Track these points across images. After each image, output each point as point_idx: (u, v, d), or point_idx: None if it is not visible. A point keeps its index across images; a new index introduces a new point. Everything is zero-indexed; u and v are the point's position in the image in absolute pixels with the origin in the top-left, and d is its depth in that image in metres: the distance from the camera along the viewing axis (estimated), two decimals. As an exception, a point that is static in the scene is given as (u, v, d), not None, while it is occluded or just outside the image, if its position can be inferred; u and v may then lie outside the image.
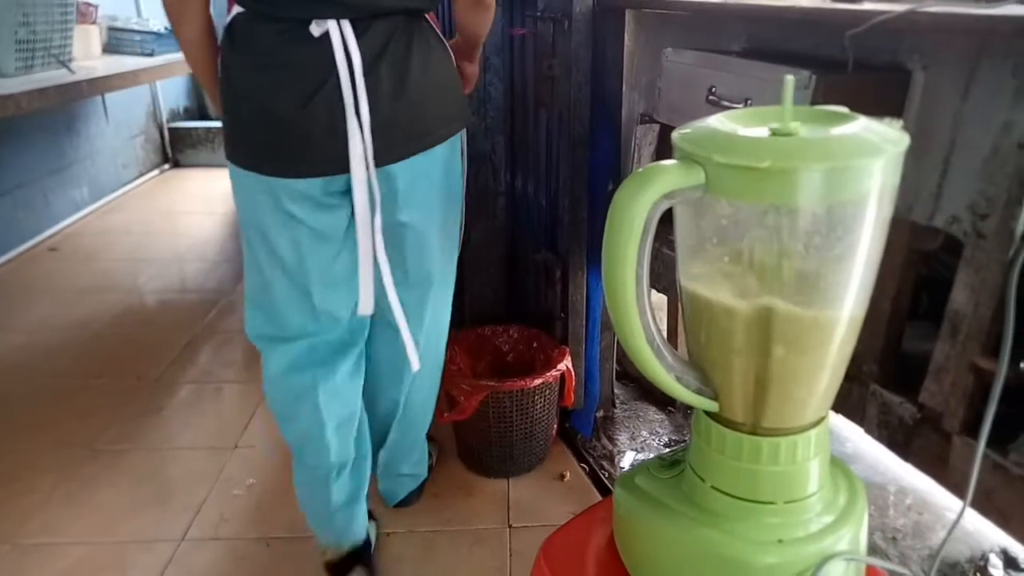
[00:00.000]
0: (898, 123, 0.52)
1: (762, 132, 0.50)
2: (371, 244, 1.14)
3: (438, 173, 1.18)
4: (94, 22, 3.29)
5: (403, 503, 1.60)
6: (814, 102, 0.97)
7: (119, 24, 3.50)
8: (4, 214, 3.09)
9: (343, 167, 1.07)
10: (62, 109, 3.46)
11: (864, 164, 0.47)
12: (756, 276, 0.50)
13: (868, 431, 1.13)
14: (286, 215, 1.13)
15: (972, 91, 0.91)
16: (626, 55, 1.54)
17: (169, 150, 4.57)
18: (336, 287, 1.22)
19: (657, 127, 1.51)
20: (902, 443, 1.08)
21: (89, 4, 3.23)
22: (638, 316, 0.52)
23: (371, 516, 1.51)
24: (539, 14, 1.61)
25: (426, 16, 1.12)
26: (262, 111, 1.07)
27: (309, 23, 1.02)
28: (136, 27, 3.52)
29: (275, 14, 1.03)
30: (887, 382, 1.09)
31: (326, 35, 1.02)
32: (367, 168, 1.08)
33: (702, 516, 0.59)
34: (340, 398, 1.29)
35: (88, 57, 3.16)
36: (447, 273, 1.34)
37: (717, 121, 0.52)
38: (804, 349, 0.53)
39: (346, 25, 1.03)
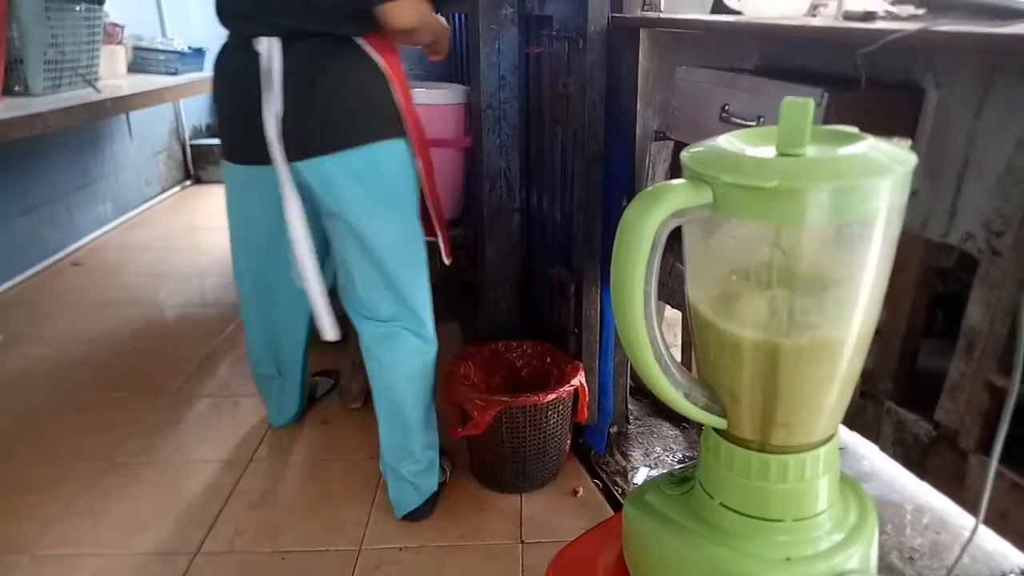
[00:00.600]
0: (906, 143, 0.53)
1: (770, 152, 0.51)
2: (297, 223, 1.40)
3: (358, 177, 1.37)
4: (120, 42, 3.37)
5: (413, 515, 1.61)
6: (826, 121, 0.97)
7: (144, 44, 3.58)
8: (30, 229, 3.16)
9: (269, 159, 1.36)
10: (87, 127, 3.54)
11: (871, 184, 0.47)
12: (764, 292, 0.51)
13: (883, 449, 1.12)
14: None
15: (986, 109, 0.91)
16: (640, 73, 1.55)
17: (191, 167, 4.65)
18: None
19: (671, 144, 1.52)
20: (917, 461, 1.07)
21: (116, 25, 3.31)
22: (646, 332, 0.53)
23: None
24: (554, 33, 1.63)
25: (358, 40, 1.32)
26: (223, 109, 1.43)
27: (252, 41, 1.31)
28: (161, 47, 3.60)
29: (233, 34, 1.38)
30: (902, 400, 1.08)
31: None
32: (282, 161, 1.35)
33: (711, 533, 0.59)
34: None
35: (114, 76, 3.23)
36: (412, 269, 1.50)
37: (726, 141, 0.53)
38: (812, 367, 0.53)
39: (275, 43, 1.29)
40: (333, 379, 2.15)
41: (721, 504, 0.59)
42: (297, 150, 1.34)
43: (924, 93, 0.98)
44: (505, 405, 1.54)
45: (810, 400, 0.54)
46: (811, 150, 0.51)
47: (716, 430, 0.60)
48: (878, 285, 0.52)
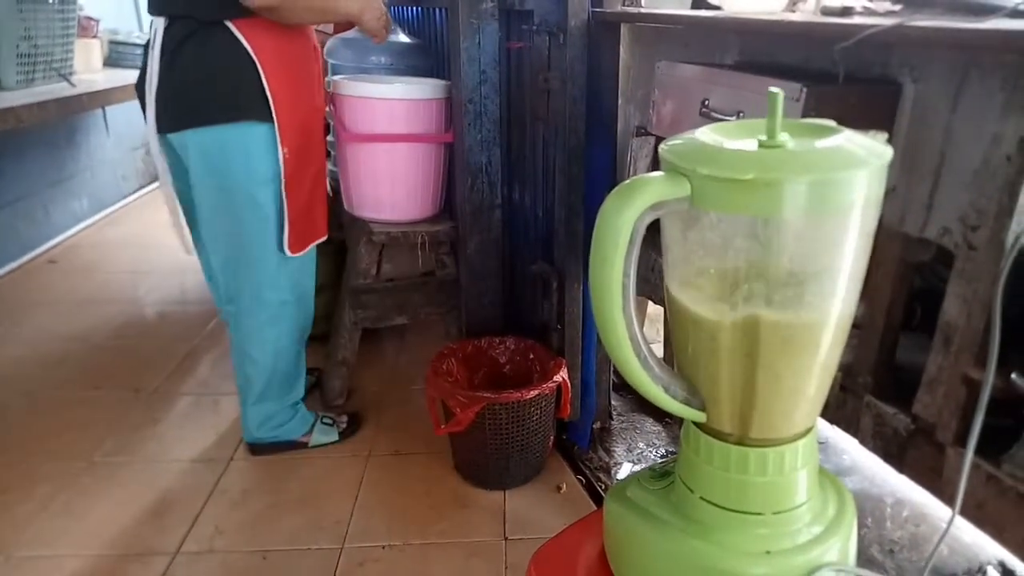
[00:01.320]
0: (883, 136, 0.53)
1: (748, 144, 0.51)
2: (168, 190, 1.61)
3: (204, 155, 1.48)
4: (95, 36, 3.32)
5: (259, 447, 1.82)
6: (805, 114, 0.98)
7: (120, 38, 3.53)
8: (4, 226, 3.10)
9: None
10: (63, 122, 3.48)
11: (848, 176, 0.47)
12: (740, 284, 0.51)
13: (863, 442, 1.13)
14: None
15: (961, 103, 0.92)
16: (621, 68, 1.55)
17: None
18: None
19: (652, 139, 1.51)
20: (896, 454, 1.08)
21: (90, 18, 3.26)
22: (625, 327, 0.53)
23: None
24: (535, 27, 1.62)
25: (228, 24, 1.40)
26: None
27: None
28: (137, 40, 3.55)
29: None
30: (881, 393, 1.09)
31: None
32: (152, 132, 1.49)
33: (691, 527, 0.59)
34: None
35: (89, 70, 3.18)
36: (250, 248, 1.59)
37: (704, 134, 0.53)
38: (790, 359, 0.53)
39: (160, 23, 1.43)
40: (315, 376, 2.14)
41: (701, 498, 0.59)
42: (160, 123, 1.48)
43: (901, 88, 0.99)
44: (488, 402, 1.54)
45: (788, 391, 0.54)
46: (788, 142, 0.51)
47: (695, 424, 0.60)
48: (855, 276, 0.52)
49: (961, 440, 0.98)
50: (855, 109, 1.01)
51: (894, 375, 1.10)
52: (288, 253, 1.60)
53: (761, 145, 0.50)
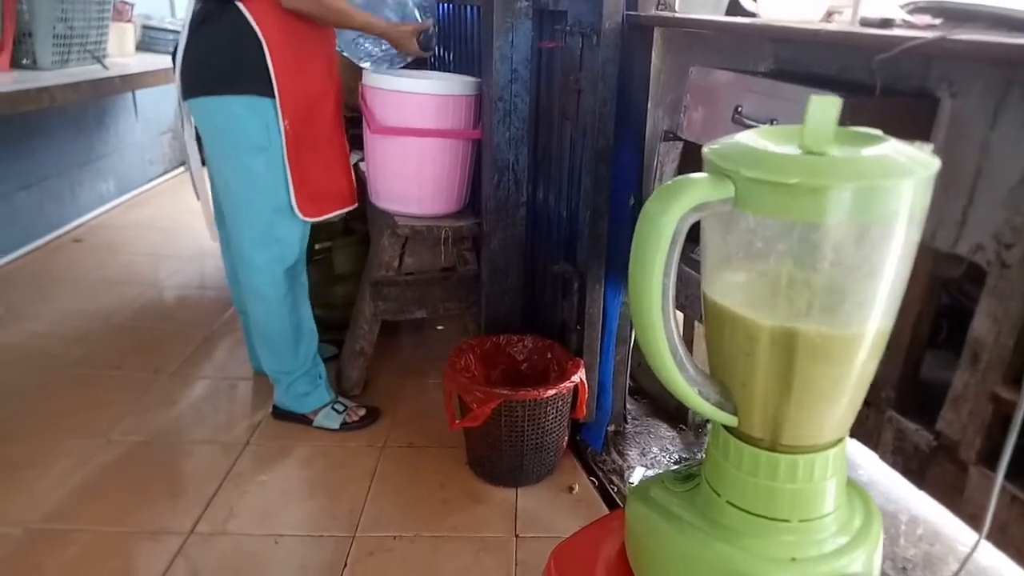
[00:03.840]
0: (928, 146, 0.53)
1: (792, 149, 0.51)
2: (197, 166, 1.80)
3: (212, 122, 1.65)
4: (129, 20, 3.36)
5: (278, 411, 1.93)
6: (841, 125, 0.97)
7: (154, 23, 3.57)
8: (32, 204, 3.15)
9: None
10: (94, 104, 3.53)
11: (893, 185, 0.47)
12: (781, 289, 0.51)
13: (883, 457, 1.12)
14: None
15: (1001, 119, 0.91)
16: (652, 72, 1.55)
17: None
18: None
19: (680, 144, 1.51)
20: (917, 471, 1.07)
21: (125, 2, 3.30)
22: (663, 326, 0.53)
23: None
24: (568, 28, 1.62)
25: (239, 4, 1.53)
26: None
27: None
28: (170, 26, 3.59)
29: None
30: (904, 408, 1.08)
31: None
32: (178, 96, 1.67)
33: (716, 531, 0.59)
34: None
35: (122, 54, 3.22)
36: (236, 210, 1.73)
37: (748, 137, 0.53)
38: (827, 366, 0.53)
39: (191, 3, 1.61)
40: (337, 348, 2.16)
41: (728, 502, 0.59)
42: (182, 89, 1.65)
43: (939, 102, 0.98)
44: (505, 399, 1.54)
45: (822, 400, 0.54)
46: (834, 149, 0.51)
47: (726, 428, 0.59)
48: (896, 287, 0.52)
49: (985, 459, 0.97)
50: (892, 122, 0.99)
51: (918, 391, 1.09)
52: (300, 216, 1.71)
53: (806, 151, 0.50)
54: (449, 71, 2.39)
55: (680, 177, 0.51)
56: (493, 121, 1.76)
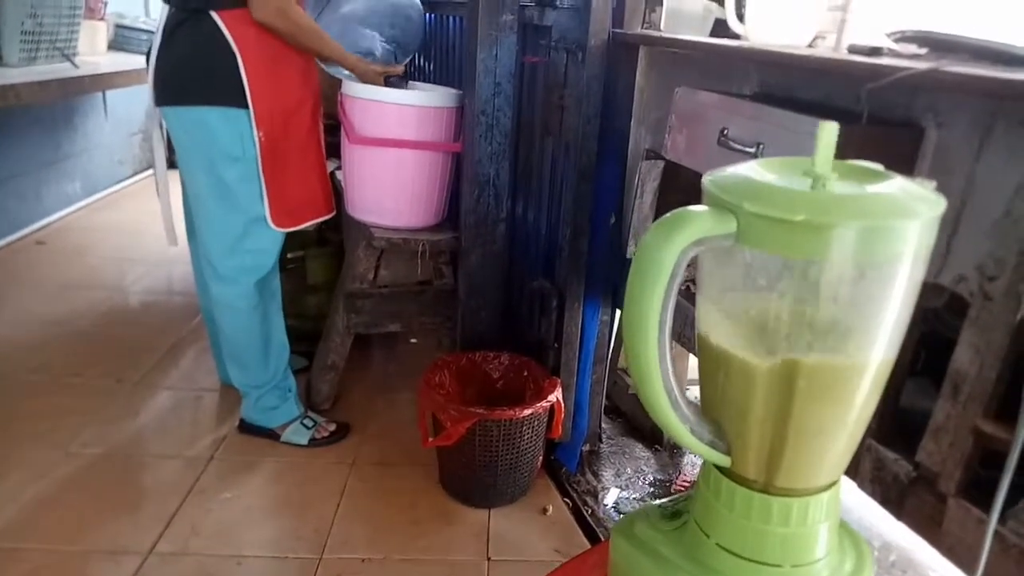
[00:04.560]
0: (931, 184, 0.51)
1: (797, 183, 0.49)
2: (161, 154, 1.80)
3: (185, 131, 1.62)
4: (102, 18, 3.28)
5: (245, 425, 1.87)
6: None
7: (127, 22, 3.50)
8: (-7, 203, 3.04)
9: None
10: (62, 102, 3.43)
11: (900, 225, 0.46)
12: (780, 329, 0.49)
13: (861, 486, 1.11)
14: None
15: (986, 152, 0.91)
16: (636, 90, 1.54)
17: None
18: None
19: (662, 164, 1.50)
20: (895, 501, 1.06)
21: (98, 0, 3.22)
22: (658, 362, 0.50)
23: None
24: (553, 44, 1.61)
25: (212, 14, 1.51)
26: None
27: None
28: (143, 26, 3.51)
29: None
30: (883, 438, 1.07)
31: None
32: (150, 103, 1.66)
33: (704, 574, 0.57)
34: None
35: (93, 53, 3.14)
36: (208, 220, 1.70)
37: (750, 168, 0.51)
38: (826, 406, 0.51)
39: (165, 10, 1.58)
40: (308, 360, 2.11)
41: (717, 544, 0.57)
42: (155, 96, 1.63)
43: (924, 132, 0.98)
44: (480, 418, 1.51)
45: (821, 441, 0.52)
46: (838, 184, 0.49)
47: (718, 468, 0.57)
48: (898, 328, 0.50)
49: (965, 492, 0.96)
50: (877, 150, 0.99)
51: (897, 419, 1.08)
52: (274, 227, 1.67)
53: (815, 178, 0.49)
54: (430, 81, 2.36)
55: (680, 209, 0.49)
56: (475, 135, 1.74)
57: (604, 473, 1.81)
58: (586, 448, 1.85)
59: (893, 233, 0.46)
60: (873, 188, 0.49)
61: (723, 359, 0.52)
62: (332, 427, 1.89)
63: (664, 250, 0.47)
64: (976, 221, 0.92)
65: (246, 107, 1.55)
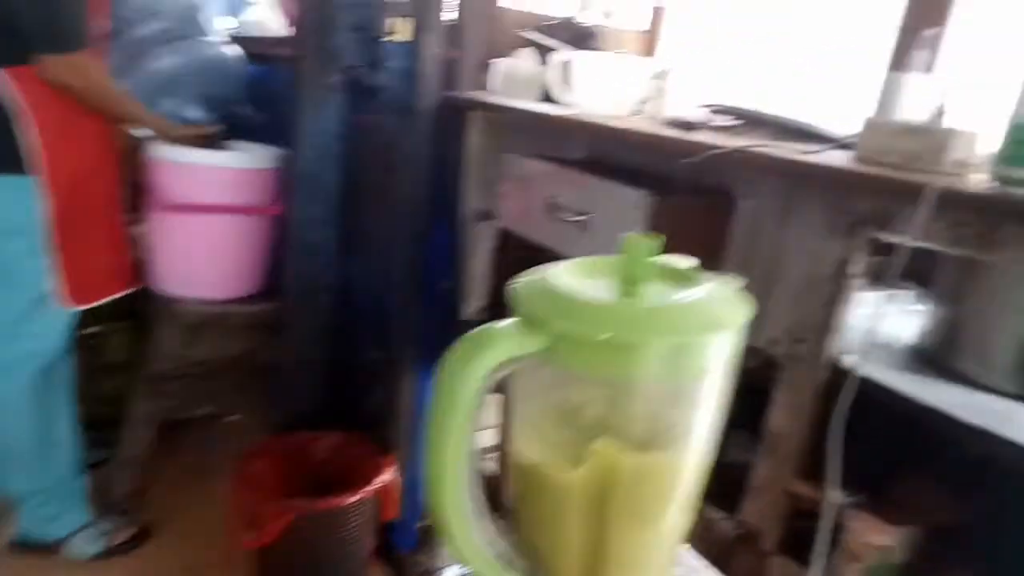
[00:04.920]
0: (739, 281, 0.52)
1: (608, 290, 0.47)
2: None
3: None
4: None
5: (19, 543, 1.58)
6: (647, 220, 0.99)
7: None
8: None
9: None
10: None
11: (709, 339, 0.46)
12: (592, 443, 0.46)
13: (693, 545, 1.12)
14: None
15: (788, 222, 0.97)
16: (469, 153, 1.53)
17: None
18: None
19: (496, 226, 1.50)
20: (723, 559, 1.07)
21: None
22: (463, 502, 0.45)
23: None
24: (383, 105, 1.57)
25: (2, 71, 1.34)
26: None
27: None
28: None
29: None
30: (710, 497, 1.09)
31: None
32: None
33: None
34: None
35: None
36: None
37: (561, 274, 0.48)
38: (642, 520, 0.48)
39: None
40: (104, 451, 1.83)
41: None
42: None
43: (736, 202, 1.04)
44: (297, 512, 1.36)
45: (639, 558, 0.49)
46: (649, 289, 0.48)
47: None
48: (712, 432, 0.49)
49: (783, 548, 1.00)
50: (695, 218, 1.04)
51: (721, 477, 1.11)
52: (66, 305, 1.48)
53: (622, 290, 0.47)
54: (260, 136, 2.21)
55: (486, 326, 0.45)
56: (299, 198, 1.63)
57: (443, 549, 1.71)
58: (423, 523, 1.74)
59: (702, 347, 0.45)
60: (682, 295, 0.48)
61: (536, 477, 0.48)
62: (132, 530, 1.64)
63: (468, 375, 0.43)
64: (785, 287, 0.98)
65: (34, 174, 1.38)
